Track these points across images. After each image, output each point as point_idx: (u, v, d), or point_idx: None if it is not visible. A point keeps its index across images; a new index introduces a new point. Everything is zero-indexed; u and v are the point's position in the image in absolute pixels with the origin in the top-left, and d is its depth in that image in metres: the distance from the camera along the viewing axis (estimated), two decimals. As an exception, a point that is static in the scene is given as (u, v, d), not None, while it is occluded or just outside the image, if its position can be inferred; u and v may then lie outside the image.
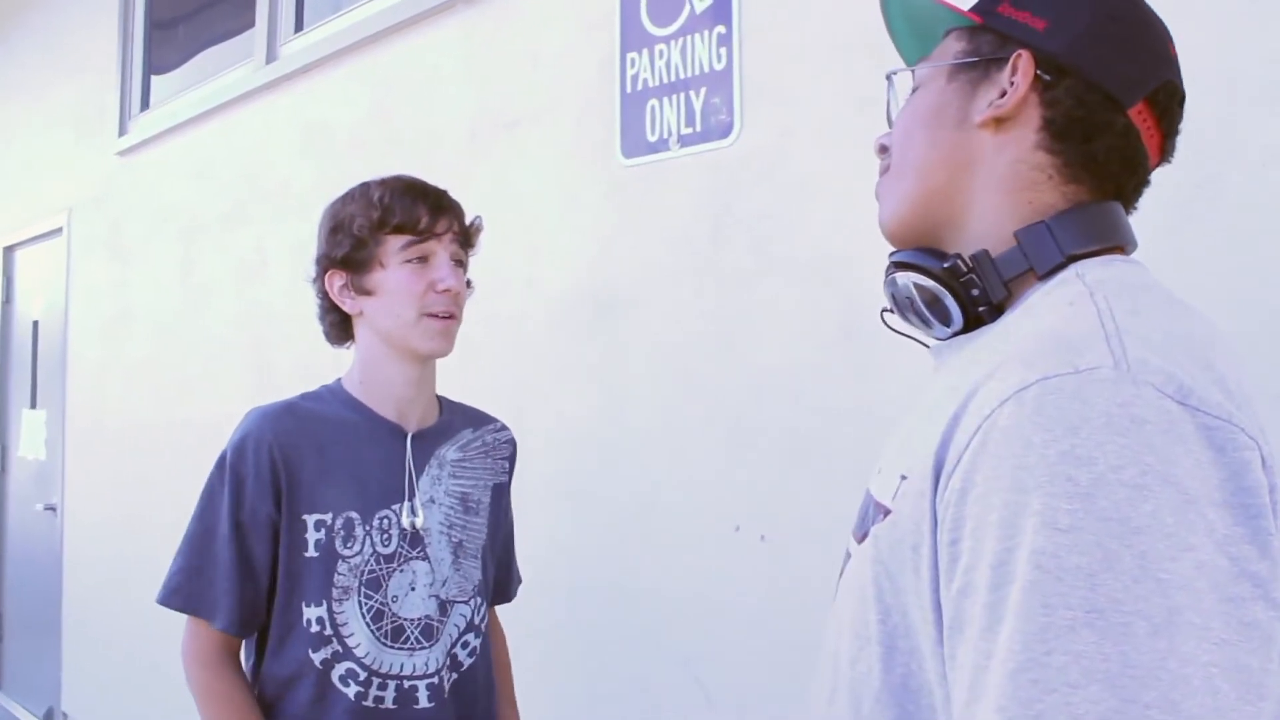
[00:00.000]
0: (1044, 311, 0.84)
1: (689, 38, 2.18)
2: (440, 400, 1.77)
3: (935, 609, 0.76)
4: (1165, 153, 0.95)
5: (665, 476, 2.21)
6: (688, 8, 2.19)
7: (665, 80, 2.22)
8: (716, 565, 2.10)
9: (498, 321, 2.58)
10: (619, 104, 2.31)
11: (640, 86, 2.27)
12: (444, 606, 1.66)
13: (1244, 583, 0.67)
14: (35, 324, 5.51)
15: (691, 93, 2.17)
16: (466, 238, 1.69)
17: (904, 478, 0.82)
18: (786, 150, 2.02)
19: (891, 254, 0.98)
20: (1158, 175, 1.50)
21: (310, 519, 1.59)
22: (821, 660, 0.94)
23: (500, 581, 1.86)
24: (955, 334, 0.94)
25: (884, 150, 1.01)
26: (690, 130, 2.17)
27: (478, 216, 1.72)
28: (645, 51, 2.27)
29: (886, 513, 0.83)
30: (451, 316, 1.65)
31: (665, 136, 2.22)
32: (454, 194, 1.75)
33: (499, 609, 1.93)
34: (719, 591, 2.09)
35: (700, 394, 2.16)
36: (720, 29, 2.13)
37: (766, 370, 2.04)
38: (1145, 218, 1.51)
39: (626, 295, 2.32)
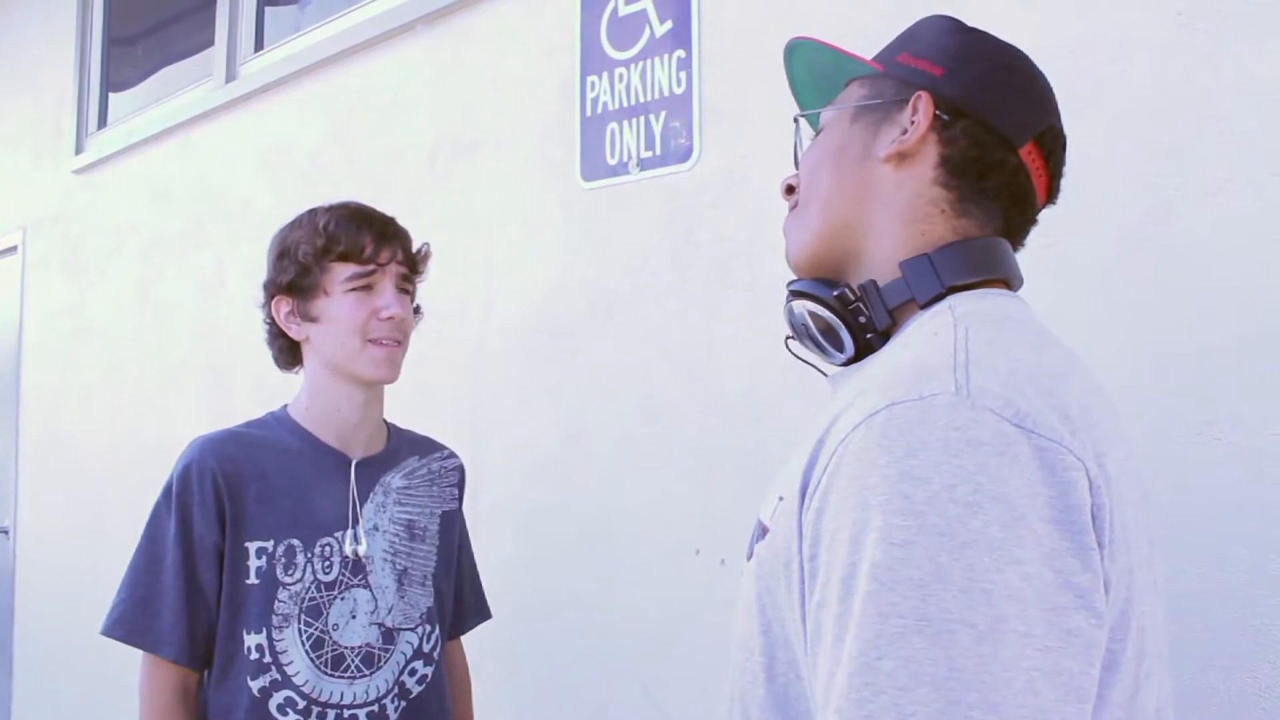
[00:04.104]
0: (915, 341, 0.89)
1: (649, 61, 2.19)
2: (388, 427, 1.78)
3: (803, 621, 0.82)
4: (1052, 193, 1.02)
5: (625, 500, 2.21)
6: (648, 32, 2.20)
7: (625, 104, 2.22)
8: (677, 589, 2.09)
9: (456, 344, 2.57)
10: (579, 127, 2.31)
11: (600, 110, 2.27)
12: (389, 634, 1.65)
13: (1067, 593, 0.73)
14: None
15: (651, 116, 2.18)
16: (413, 265, 1.69)
17: (781, 499, 0.88)
18: (746, 174, 2.02)
19: (789, 283, 1.04)
20: (1112, 199, 1.52)
21: (252, 546, 1.59)
22: (726, 673, 1.00)
23: (455, 611, 1.84)
24: (849, 361, 0.99)
25: (790, 190, 1.07)
26: (650, 154, 2.17)
27: (425, 244, 1.73)
28: (605, 75, 2.27)
29: (767, 532, 0.89)
30: (397, 343, 1.65)
31: (625, 160, 2.22)
32: (412, 217, 1.74)
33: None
34: (680, 615, 2.08)
35: (660, 418, 2.15)
36: (680, 53, 2.13)
37: (726, 394, 2.04)
38: (1102, 241, 1.53)
39: (586, 318, 2.31)
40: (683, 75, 2.12)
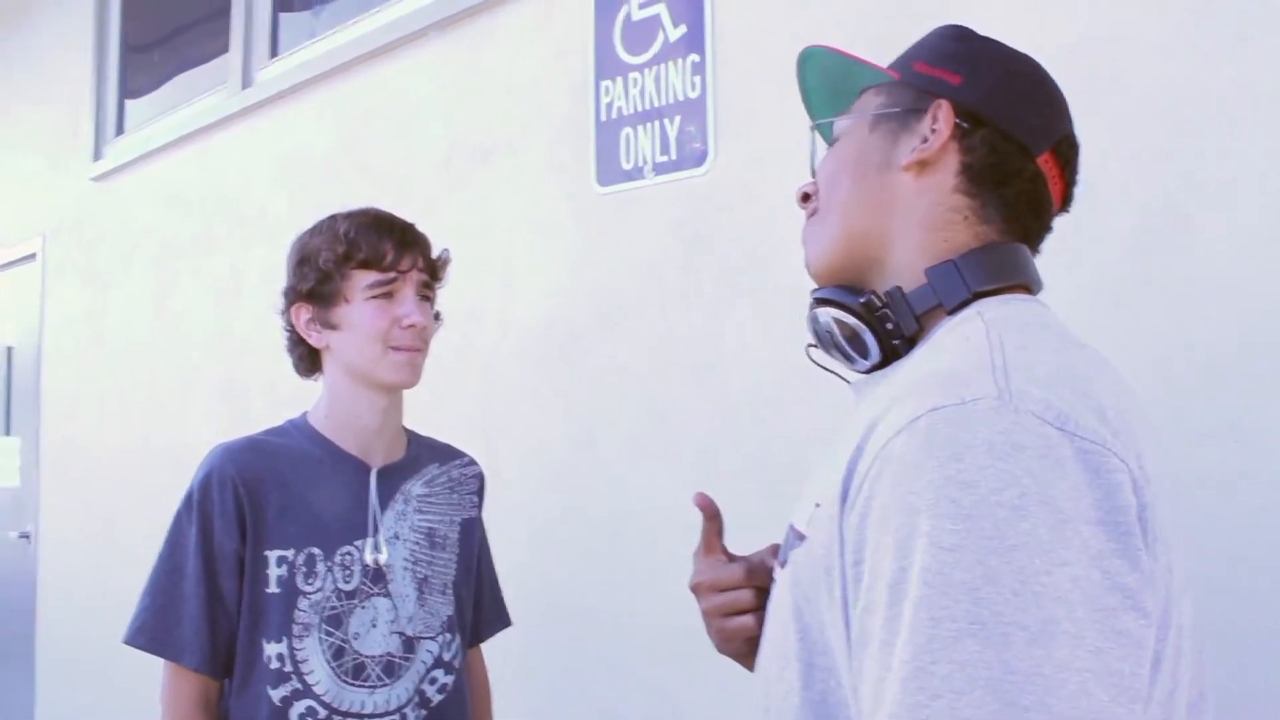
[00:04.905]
0: (945, 346, 0.90)
1: (663, 66, 2.18)
2: (408, 434, 1.77)
3: (847, 626, 0.82)
4: (1066, 201, 1.03)
5: (637, 504, 2.20)
6: (661, 36, 2.20)
7: (639, 108, 2.22)
8: (688, 594, 2.09)
9: (471, 349, 2.57)
10: (594, 132, 2.31)
11: (615, 114, 2.27)
12: (409, 643, 1.65)
13: (1115, 594, 0.73)
14: (9, 350, 5.47)
15: (666, 120, 2.18)
16: (433, 272, 1.68)
17: (817, 505, 0.88)
18: (760, 178, 2.02)
19: (813, 290, 1.04)
20: (1119, 201, 1.51)
21: (273, 555, 1.59)
22: (756, 682, 0.99)
23: (475, 619, 1.83)
24: (874, 368, 0.99)
25: (806, 198, 1.07)
26: (665, 158, 2.17)
27: (445, 249, 1.71)
28: (619, 79, 2.27)
29: (803, 538, 0.89)
30: (418, 349, 1.64)
31: (640, 164, 2.22)
32: (427, 222, 1.74)
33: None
34: (692, 619, 2.07)
35: (672, 422, 2.15)
36: (694, 57, 2.13)
37: (738, 398, 2.04)
38: (1109, 242, 1.52)
39: (599, 323, 2.31)
40: (697, 79, 2.12)
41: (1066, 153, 1.01)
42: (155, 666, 1.62)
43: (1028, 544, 0.72)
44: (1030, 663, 0.70)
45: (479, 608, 1.83)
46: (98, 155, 4.54)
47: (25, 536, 5.04)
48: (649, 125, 2.21)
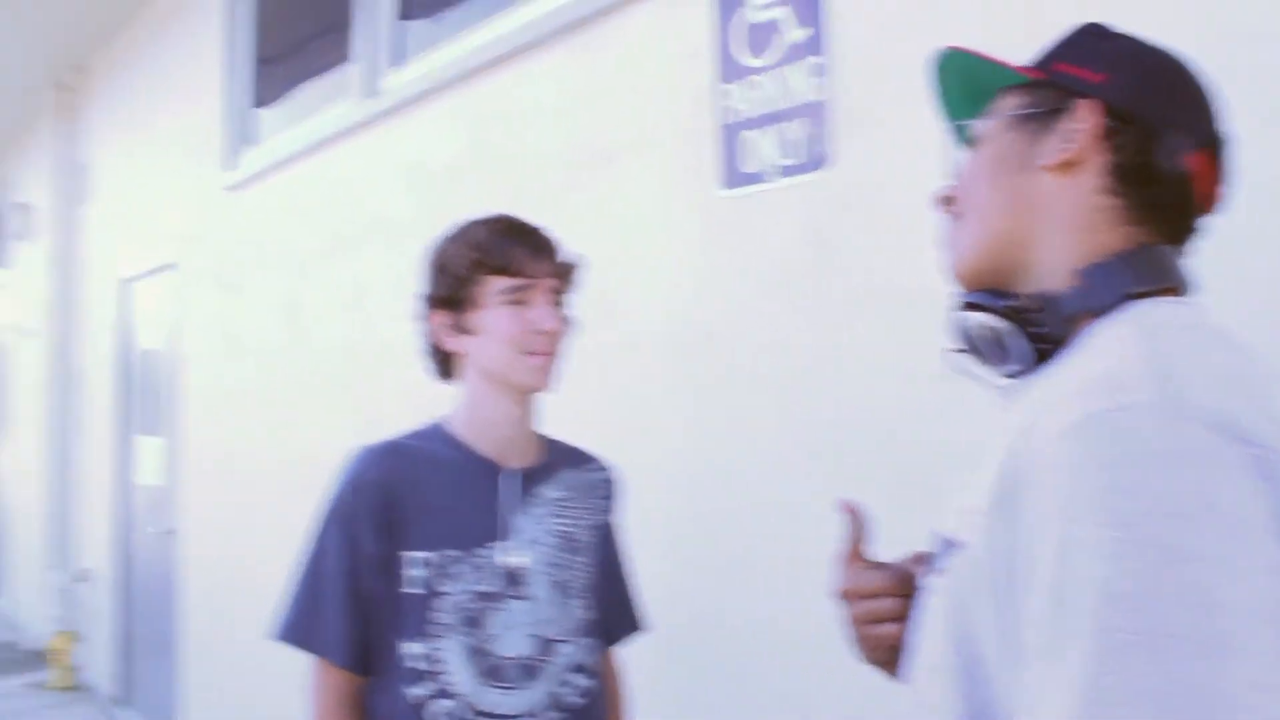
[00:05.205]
0: (1099, 349, 0.87)
1: (784, 68, 2.18)
2: (543, 439, 1.78)
3: (1004, 635, 0.80)
4: (1217, 201, 0.99)
5: (766, 510, 2.20)
6: (783, 38, 2.19)
7: (762, 111, 2.22)
8: (823, 600, 2.08)
9: (597, 354, 2.59)
10: (716, 135, 2.32)
11: (737, 117, 2.28)
12: (547, 646, 1.66)
13: None
14: (152, 354, 5.70)
15: (788, 123, 2.17)
16: (566, 276, 1.70)
17: (971, 512, 0.86)
18: (884, 180, 2.00)
19: (960, 294, 1.02)
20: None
21: (413, 556, 1.62)
22: (909, 692, 0.98)
23: (610, 622, 1.83)
24: (1022, 372, 0.97)
25: (948, 202, 1.06)
26: (788, 161, 2.17)
27: (578, 254, 1.73)
28: (742, 82, 2.27)
29: (956, 546, 0.88)
30: (551, 354, 1.66)
31: (763, 167, 2.22)
32: (554, 225, 1.76)
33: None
34: (832, 630, 2.06)
35: (801, 427, 2.14)
36: (815, 59, 2.12)
37: (867, 404, 2.02)
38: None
39: (726, 327, 2.31)
40: (819, 82, 2.11)
41: (1215, 151, 0.97)
42: (285, 654, 1.67)
43: (1194, 554, 0.69)
44: (1201, 678, 0.67)
45: (613, 612, 1.84)
46: (231, 165, 4.70)
47: (170, 532, 5.26)
48: (771, 128, 2.21)
